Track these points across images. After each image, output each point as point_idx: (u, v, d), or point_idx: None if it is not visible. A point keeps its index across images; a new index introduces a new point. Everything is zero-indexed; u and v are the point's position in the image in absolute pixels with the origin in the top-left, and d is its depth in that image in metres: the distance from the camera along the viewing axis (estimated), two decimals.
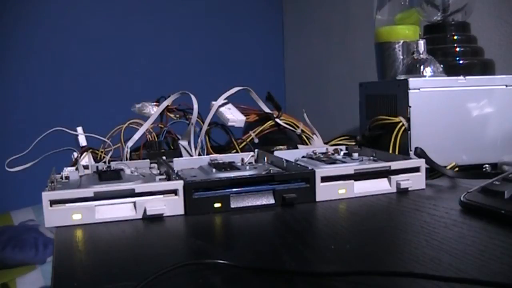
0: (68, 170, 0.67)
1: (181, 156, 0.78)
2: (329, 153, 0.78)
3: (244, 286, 0.37)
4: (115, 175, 0.64)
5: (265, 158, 0.74)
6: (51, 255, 1.26)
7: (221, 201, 0.58)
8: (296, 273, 0.39)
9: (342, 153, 0.79)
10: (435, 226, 0.50)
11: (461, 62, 0.90)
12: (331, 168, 0.65)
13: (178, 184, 0.57)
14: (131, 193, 0.56)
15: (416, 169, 0.66)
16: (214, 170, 0.65)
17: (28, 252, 1.42)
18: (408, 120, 0.76)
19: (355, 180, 0.64)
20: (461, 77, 0.78)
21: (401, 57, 0.94)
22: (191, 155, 0.79)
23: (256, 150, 0.79)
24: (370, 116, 0.86)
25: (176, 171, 0.65)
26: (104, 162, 0.72)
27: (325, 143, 0.89)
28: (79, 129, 0.77)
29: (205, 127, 0.80)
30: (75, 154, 0.73)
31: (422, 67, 0.80)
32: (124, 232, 0.52)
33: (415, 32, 0.94)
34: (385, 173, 0.65)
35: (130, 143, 0.79)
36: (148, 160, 0.76)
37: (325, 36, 1.85)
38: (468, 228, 0.49)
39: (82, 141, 0.76)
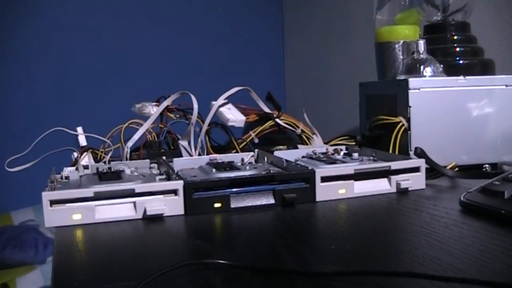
0: (68, 170, 0.67)
1: (181, 156, 0.78)
2: (329, 153, 0.78)
3: (244, 286, 0.37)
4: (115, 175, 0.64)
5: (265, 158, 0.74)
6: (51, 255, 1.26)
7: (221, 201, 0.58)
8: (296, 273, 0.39)
9: (342, 153, 0.79)
10: (435, 226, 0.50)
11: (461, 62, 0.90)
12: (331, 168, 0.65)
13: (178, 184, 0.57)
14: (131, 193, 0.56)
15: (416, 169, 0.66)
16: (214, 170, 0.65)
17: (28, 252, 1.42)
18: (408, 120, 0.76)
19: (355, 180, 0.64)
20: (461, 77, 0.78)
21: (401, 57, 0.94)
22: (191, 155, 0.79)
23: (256, 150, 0.79)
24: (370, 116, 0.86)
25: (176, 171, 0.65)
26: (104, 162, 0.72)
27: (325, 143, 0.89)
28: (79, 129, 0.77)
29: (205, 127, 0.80)
30: (75, 154, 0.73)
31: (422, 67, 0.80)
32: (124, 232, 0.53)
33: (415, 32, 0.94)
34: (385, 173, 0.65)
35: (130, 143, 0.79)
36: (148, 160, 0.76)
37: (325, 36, 1.85)
38: (468, 228, 0.49)
39: (82, 141, 0.76)
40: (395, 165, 0.65)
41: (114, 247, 0.48)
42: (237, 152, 0.82)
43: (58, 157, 0.71)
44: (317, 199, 0.61)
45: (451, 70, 0.85)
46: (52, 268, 0.43)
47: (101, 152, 0.77)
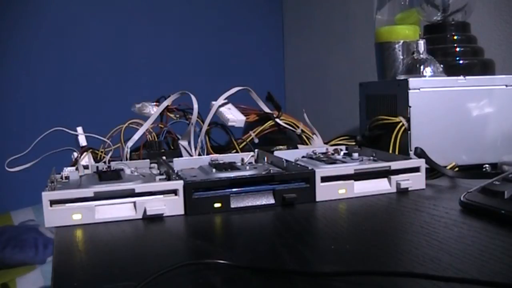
0: (68, 170, 0.67)
1: (181, 156, 0.78)
2: (329, 153, 0.78)
3: (244, 286, 0.37)
4: (115, 175, 0.64)
5: (265, 158, 0.74)
6: (51, 255, 1.26)
7: (221, 201, 0.58)
8: (296, 273, 0.39)
9: (342, 153, 0.79)
10: (435, 226, 0.50)
11: (461, 62, 0.90)
12: (331, 168, 0.65)
13: (178, 184, 0.57)
14: (131, 193, 0.56)
15: (416, 169, 0.66)
16: (214, 170, 0.65)
17: (28, 252, 1.42)
18: (408, 120, 0.76)
19: (355, 180, 0.63)
20: (461, 77, 0.78)
21: (401, 57, 0.94)
22: (191, 155, 0.79)
23: (256, 150, 0.79)
24: (370, 116, 0.86)
25: (176, 171, 0.65)
26: (104, 162, 0.72)
27: (325, 143, 0.89)
28: (79, 129, 0.77)
29: (205, 127, 0.80)
30: (75, 154, 0.73)
31: (422, 67, 0.80)
32: (124, 232, 0.52)
33: (415, 32, 0.94)
34: (385, 173, 0.65)
35: (130, 143, 0.79)
36: (148, 160, 0.76)
37: (325, 36, 1.85)
38: (468, 228, 0.49)
39: (82, 141, 0.76)
40: (395, 165, 0.65)
41: (114, 247, 0.48)
42: (237, 152, 0.82)
43: (58, 157, 0.71)
44: (317, 199, 0.61)
45: (451, 70, 0.85)
46: (52, 268, 0.43)
47: (101, 152, 0.77)
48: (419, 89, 0.77)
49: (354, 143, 0.84)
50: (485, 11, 1.07)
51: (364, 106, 0.91)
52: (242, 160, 0.75)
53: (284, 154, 0.75)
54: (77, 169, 0.68)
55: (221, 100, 0.84)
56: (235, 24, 2.12)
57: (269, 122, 0.89)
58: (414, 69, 0.81)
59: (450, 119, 0.78)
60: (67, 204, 0.55)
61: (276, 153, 0.76)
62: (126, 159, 0.78)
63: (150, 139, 0.83)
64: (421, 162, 0.67)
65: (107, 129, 0.80)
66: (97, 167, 0.71)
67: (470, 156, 0.78)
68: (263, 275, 0.39)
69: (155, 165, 0.74)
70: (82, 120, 0.84)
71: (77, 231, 0.53)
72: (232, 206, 0.58)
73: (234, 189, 0.59)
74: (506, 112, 0.80)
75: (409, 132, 0.76)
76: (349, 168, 0.64)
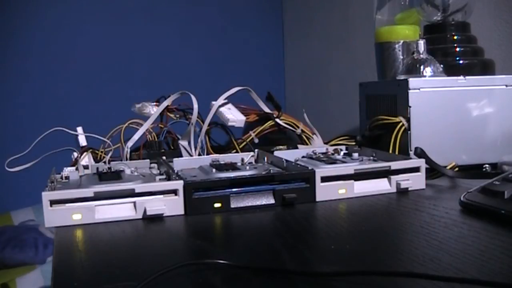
0: (68, 170, 0.67)
1: (181, 156, 0.78)
2: (329, 153, 0.78)
3: (244, 286, 0.37)
4: (115, 175, 0.64)
5: (265, 158, 0.74)
6: (51, 255, 1.26)
7: (221, 201, 0.58)
8: (296, 273, 0.39)
9: (342, 153, 0.79)
10: (435, 226, 0.50)
11: (461, 62, 0.90)
12: (331, 168, 0.65)
13: (178, 184, 0.57)
14: (131, 193, 0.56)
15: (416, 169, 0.66)
16: (214, 170, 0.65)
17: (28, 252, 1.42)
18: (408, 120, 0.76)
19: (355, 180, 0.63)
20: (461, 77, 0.78)
21: (401, 57, 0.94)
22: (191, 155, 0.79)
23: (256, 150, 0.79)
24: (370, 116, 0.86)
25: (176, 171, 0.65)
26: (104, 162, 0.72)
27: (325, 143, 0.89)
28: (79, 129, 0.77)
29: (205, 127, 0.80)
30: (75, 154, 0.73)
31: (422, 67, 0.80)
32: (124, 232, 0.53)
33: (415, 32, 0.94)
34: (385, 173, 0.65)
35: (130, 143, 0.79)
36: (148, 160, 0.76)
37: (325, 36, 1.85)
38: (468, 228, 0.49)
39: (82, 141, 0.76)
40: (395, 165, 0.65)
41: (114, 247, 0.48)
42: (237, 152, 0.82)
43: (58, 157, 0.71)
44: (317, 199, 0.61)
45: (451, 70, 0.85)
46: (52, 268, 0.43)
47: (101, 152, 0.77)
48: (419, 89, 0.77)
49: (354, 143, 0.84)
50: (485, 11, 1.07)
51: (364, 106, 0.91)
52: (242, 160, 0.75)
53: (284, 154, 0.75)
54: (77, 169, 0.69)
55: (221, 100, 0.84)
56: (235, 24, 2.12)
57: (269, 122, 0.89)
58: (414, 69, 0.81)
59: (450, 119, 0.78)
60: (67, 204, 0.55)
61: (276, 153, 0.76)
62: (126, 159, 0.78)
63: (150, 139, 0.83)
64: (421, 162, 0.67)
65: (107, 129, 0.80)
66: (97, 167, 0.71)
67: (470, 156, 0.78)
68: (263, 275, 0.39)
69: (155, 165, 0.74)
70: (82, 120, 0.84)
71: (77, 231, 0.53)
72: (232, 206, 0.58)
73: (234, 189, 0.59)
74: (506, 112, 0.80)
75: (409, 132, 0.76)
76: (349, 168, 0.64)
